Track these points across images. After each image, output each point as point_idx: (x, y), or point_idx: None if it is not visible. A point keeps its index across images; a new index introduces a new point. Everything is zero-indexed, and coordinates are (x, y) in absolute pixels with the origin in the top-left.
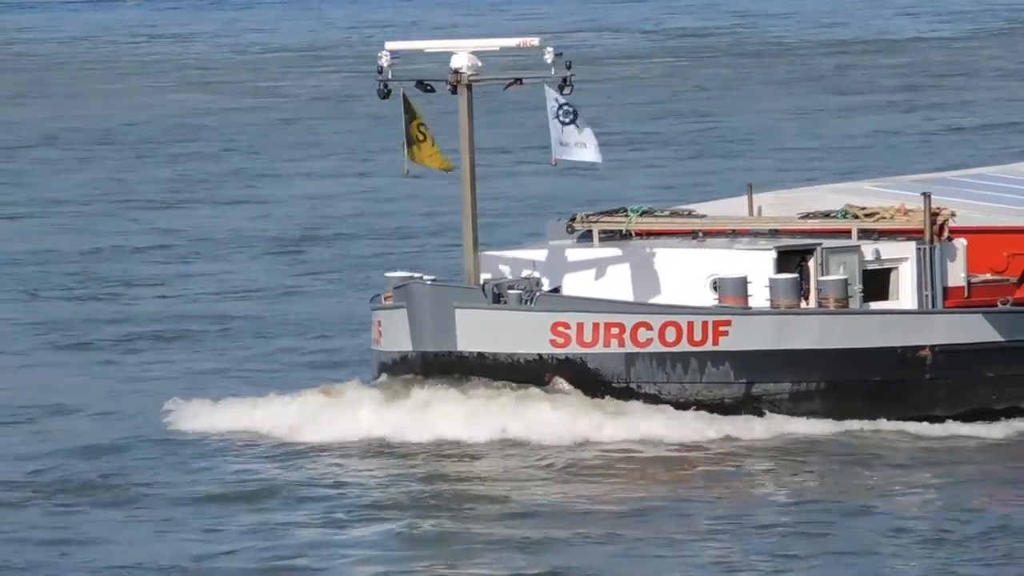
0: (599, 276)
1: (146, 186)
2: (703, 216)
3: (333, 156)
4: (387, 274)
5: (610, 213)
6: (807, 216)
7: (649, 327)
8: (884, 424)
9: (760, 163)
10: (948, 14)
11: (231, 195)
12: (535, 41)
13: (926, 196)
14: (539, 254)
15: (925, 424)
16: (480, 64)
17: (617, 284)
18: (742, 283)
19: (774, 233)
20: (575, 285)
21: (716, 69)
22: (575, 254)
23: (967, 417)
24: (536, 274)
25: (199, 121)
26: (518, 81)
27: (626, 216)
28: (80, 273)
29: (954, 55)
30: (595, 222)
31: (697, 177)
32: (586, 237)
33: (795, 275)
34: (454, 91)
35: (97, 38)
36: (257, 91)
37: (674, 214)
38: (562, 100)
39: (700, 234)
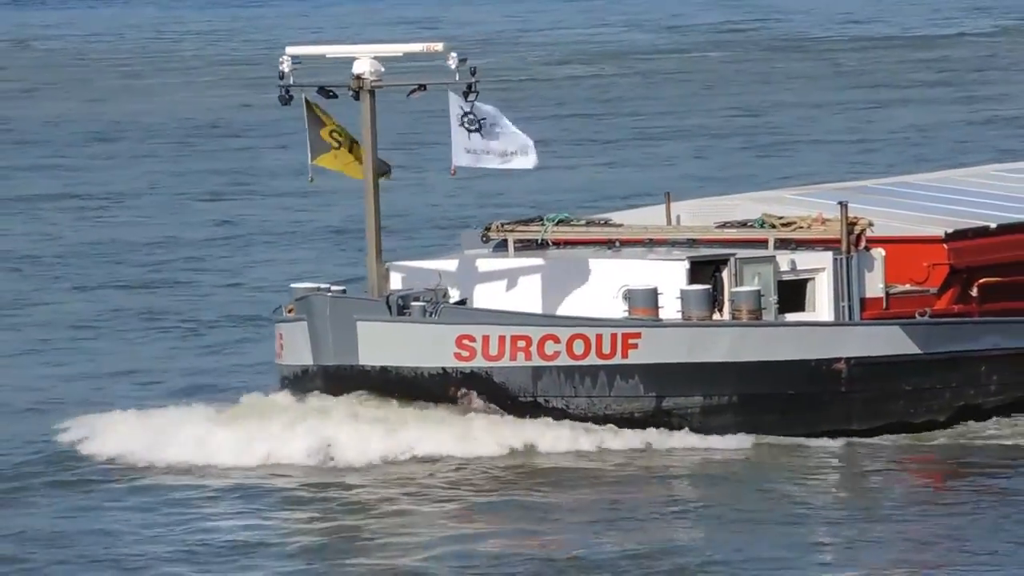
0: (511, 287)
1: (204, 178)
2: (620, 225)
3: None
4: (292, 285)
5: (526, 222)
6: (724, 225)
7: (557, 340)
8: (798, 439)
9: (803, 156)
10: (973, 10)
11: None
12: (439, 46)
13: (842, 205)
14: (449, 264)
15: (841, 438)
16: (383, 69)
17: (529, 295)
18: (652, 294)
19: (692, 242)
20: (486, 296)
21: (744, 64)
22: (486, 264)
23: (884, 431)
24: (445, 285)
25: (243, 117)
26: (422, 87)
27: (542, 225)
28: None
29: (985, 50)
30: (510, 231)
31: (739, 169)
32: (502, 247)
33: (707, 286)
34: (356, 97)
35: (122, 35)
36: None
37: (590, 223)
38: (466, 107)
39: (617, 243)
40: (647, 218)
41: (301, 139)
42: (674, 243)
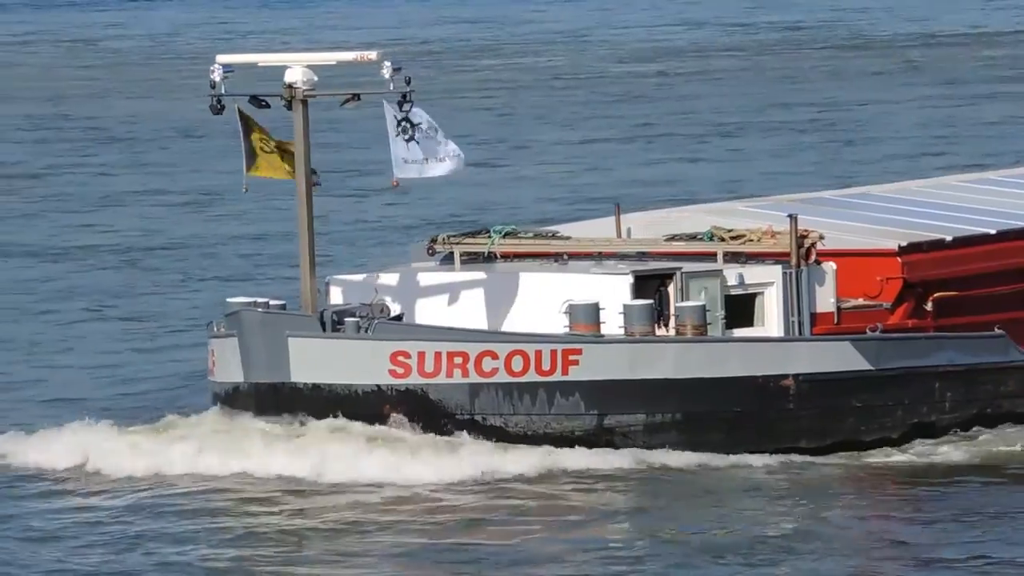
0: (455, 301)
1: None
2: (568, 238)
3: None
4: (228, 299)
5: (473, 234)
6: (673, 238)
7: (495, 356)
8: (745, 457)
9: (885, 150)
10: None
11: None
12: (373, 55)
13: (792, 218)
14: (391, 278)
15: (789, 457)
16: (316, 78)
17: (473, 310)
18: (594, 309)
19: (641, 255)
20: (429, 311)
21: (813, 62)
22: (428, 278)
23: (834, 449)
24: (383, 300)
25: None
26: (356, 97)
27: (488, 238)
28: None
29: None
30: (456, 243)
31: (824, 165)
32: (450, 259)
33: (650, 301)
34: (289, 106)
35: (181, 34)
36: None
37: (537, 236)
38: (400, 116)
39: (565, 256)
40: (597, 231)
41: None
42: (623, 256)
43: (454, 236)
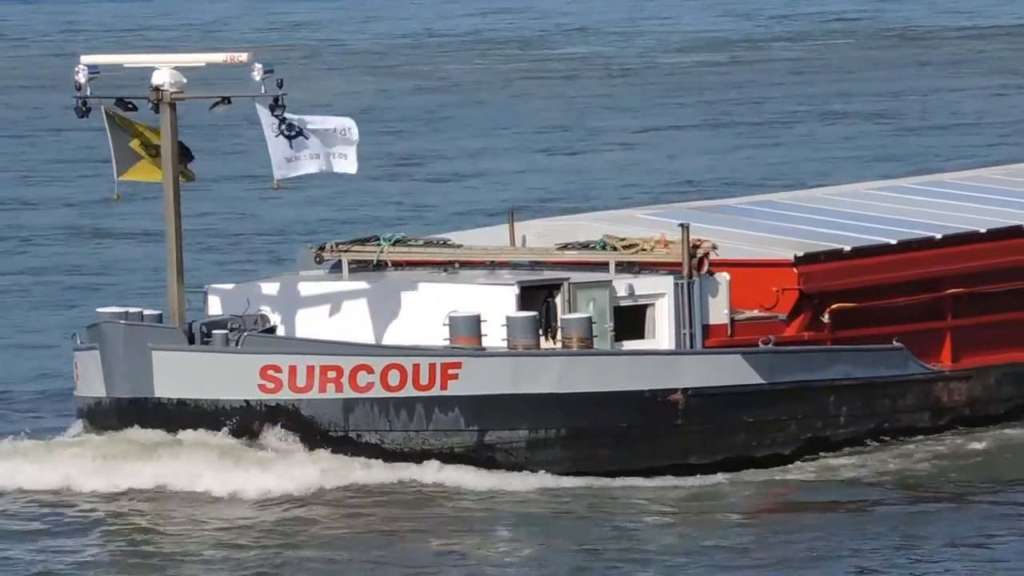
0: (337, 312)
1: None
2: (458, 246)
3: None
4: (99, 309)
5: (362, 241)
6: (565, 247)
7: (370, 370)
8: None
9: (951, 139)
10: None
11: None
12: (243, 57)
13: (684, 227)
14: (271, 287)
15: (676, 473)
16: (184, 80)
17: (357, 321)
18: (475, 321)
19: (534, 265)
20: (312, 322)
21: (864, 52)
22: (310, 287)
23: (725, 465)
24: (257, 310)
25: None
26: (226, 100)
27: (378, 245)
28: None
29: None
30: (345, 251)
31: (886, 152)
32: (339, 268)
33: (533, 313)
34: (156, 109)
35: (229, 24)
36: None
37: (428, 244)
38: (277, 119)
39: (457, 265)
40: (489, 239)
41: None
42: (516, 265)
43: (342, 243)
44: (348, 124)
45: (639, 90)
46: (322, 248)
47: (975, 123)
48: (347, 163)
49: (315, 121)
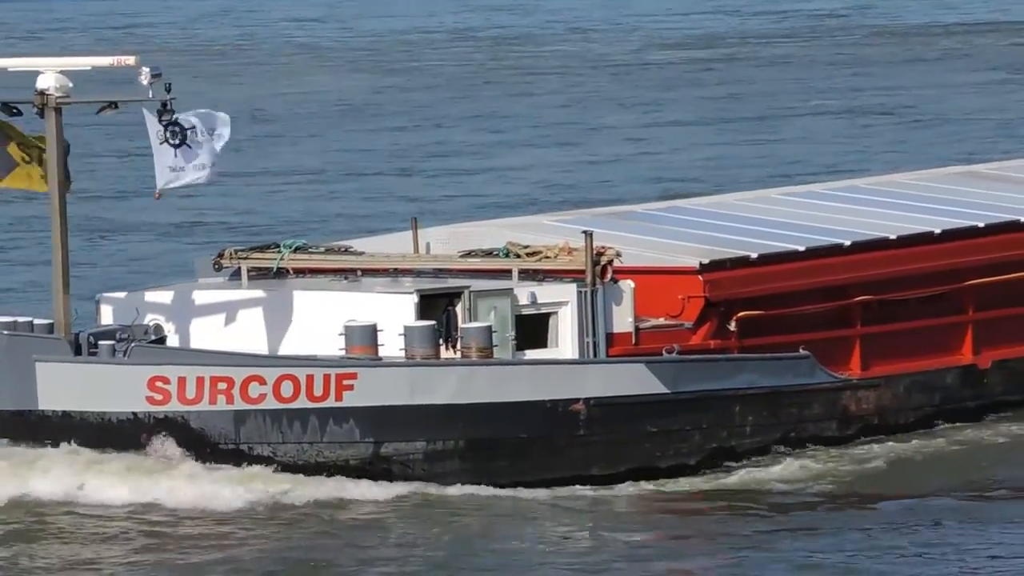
0: (235, 321)
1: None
2: (360, 254)
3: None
4: None
5: (262, 248)
6: (469, 254)
7: (262, 381)
8: (531, 486)
9: (951, 134)
10: None
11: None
12: (131, 60)
13: (587, 234)
14: (164, 296)
15: (578, 485)
16: (71, 84)
17: (254, 330)
18: (371, 331)
19: (438, 272)
20: (208, 332)
21: (855, 49)
22: (204, 296)
23: (628, 476)
24: (147, 319)
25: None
26: (113, 105)
27: (278, 252)
28: None
29: None
30: (244, 258)
31: (887, 146)
32: (239, 275)
33: (432, 322)
34: (41, 114)
35: (222, 21)
36: (411, 71)
37: (329, 251)
38: (163, 124)
39: (359, 273)
40: (392, 246)
41: None
42: (419, 273)
43: (242, 250)
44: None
45: (632, 86)
46: (221, 255)
47: (973, 119)
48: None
49: (200, 135)
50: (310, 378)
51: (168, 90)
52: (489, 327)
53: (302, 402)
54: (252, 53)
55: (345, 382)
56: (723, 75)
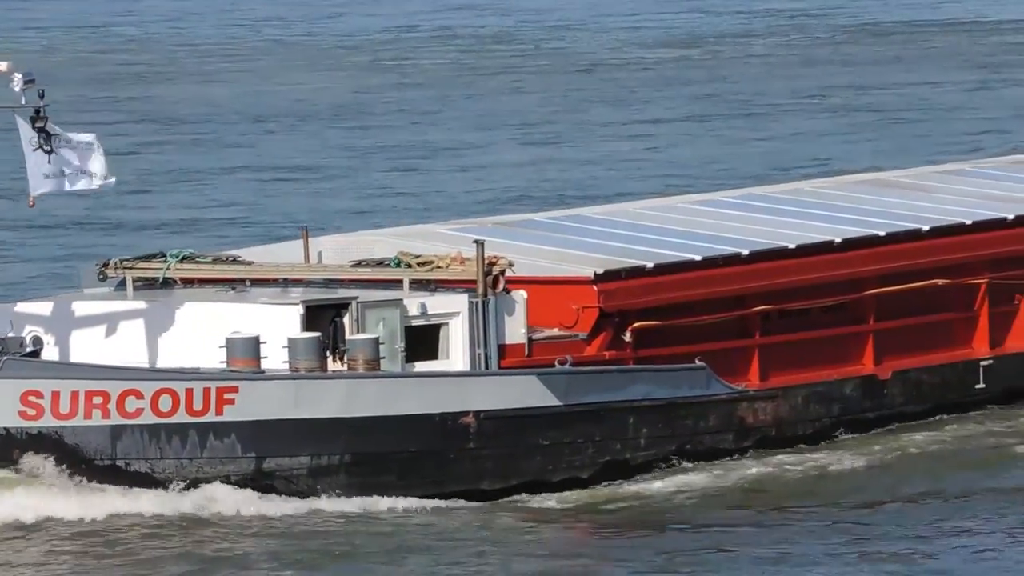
0: (112, 333)
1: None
2: (249, 263)
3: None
4: None
5: (147, 258)
6: (359, 264)
7: (140, 395)
8: (418, 501)
9: (937, 131)
10: None
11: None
12: (3, 66)
13: (479, 244)
14: (45, 307)
15: (468, 499)
16: None
17: (133, 342)
18: (253, 343)
19: (328, 283)
20: (89, 344)
21: (834, 47)
22: (85, 307)
23: (519, 490)
24: (21, 331)
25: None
26: None
27: (164, 262)
28: None
29: None
30: (130, 268)
31: (873, 144)
32: (124, 285)
33: (317, 333)
34: None
35: (196, 21)
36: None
37: (217, 260)
38: (37, 128)
39: (247, 283)
40: (283, 255)
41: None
42: (309, 283)
43: (127, 260)
44: (91, 139)
45: (615, 84)
46: (105, 265)
47: (957, 116)
48: (99, 179)
49: (75, 142)
50: (189, 392)
51: (41, 96)
52: (376, 339)
53: (181, 417)
54: (234, 52)
55: (226, 396)
56: (703, 73)
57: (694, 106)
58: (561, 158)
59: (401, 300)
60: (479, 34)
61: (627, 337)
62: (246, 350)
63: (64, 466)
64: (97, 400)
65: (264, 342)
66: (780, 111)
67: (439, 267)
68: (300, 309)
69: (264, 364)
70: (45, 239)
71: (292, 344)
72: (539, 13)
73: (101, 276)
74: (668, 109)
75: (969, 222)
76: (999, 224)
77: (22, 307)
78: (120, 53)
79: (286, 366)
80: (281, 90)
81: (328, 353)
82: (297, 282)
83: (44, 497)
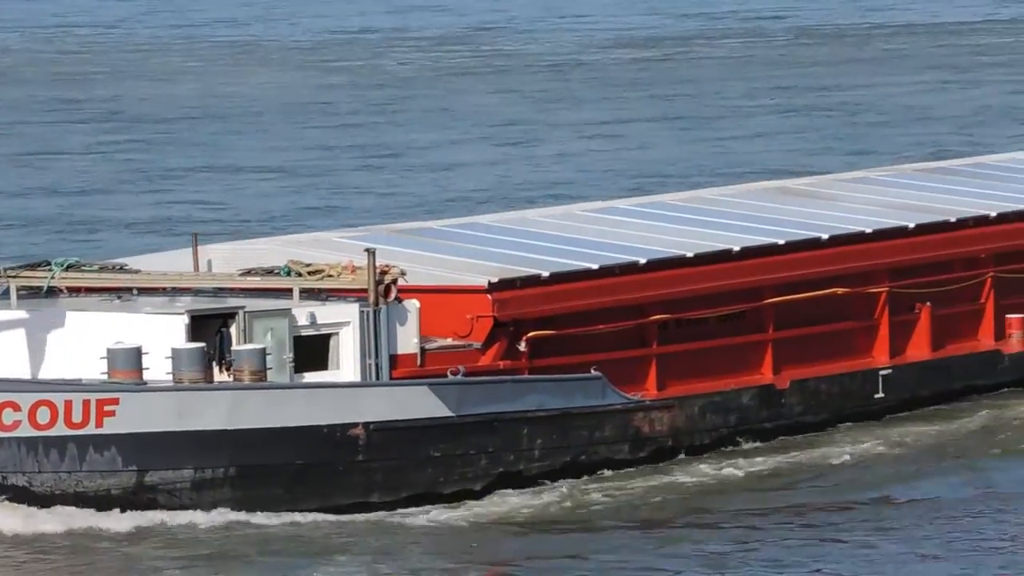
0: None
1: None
2: (136, 272)
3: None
4: None
5: (32, 267)
6: (249, 272)
7: (17, 407)
8: (308, 515)
9: (896, 132)
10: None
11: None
12: None
13: (370, 252)
14: None
15: (358, 513)
16: None
17: (13, 353)
18: (134, 354)
19: (217, 292)
20: None
21: (790, 50)
22: None
23: (410, 502)
24: None
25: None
26: None
27: (49, 270)
28: None
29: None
30: (14, 277)
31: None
32: (7, 295)
33: (201, 344)
34: None
35: (141, 22)
36: (353, 71)
37: (103, 269)
38: None
39: (135, 292)
40: (170, 263)
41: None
42: (198, 292)
43: (11, 268)
44: None
45: (574, 85)
46: None
47: (916, 117)
48: None
49: None
50: (68, 404)
51: None
52: (263, 349)
53: (60, 429)
54: (190, 53)
55: (106, 408)
56: (662, 75)
57: (654, 107)
58: (524, 156)
59: (289, 310)
60: (435, 35)
61: (522, 347)
62: (127, 361)
63: None
64: None
65: (147, 353)
66: (739, 113)
67: (330, 276)
68: (185, 319)
69: (148, 375)
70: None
71: (176, 355)
72: (493, 14)
73: None
74: (624, 110)
75: (869, 230)
76: (900, 232)
77: None
78: (76, 53)
79: (170, 377)
80: (241, 90)
81: (214, 364)
82: (185, 291)
83: None
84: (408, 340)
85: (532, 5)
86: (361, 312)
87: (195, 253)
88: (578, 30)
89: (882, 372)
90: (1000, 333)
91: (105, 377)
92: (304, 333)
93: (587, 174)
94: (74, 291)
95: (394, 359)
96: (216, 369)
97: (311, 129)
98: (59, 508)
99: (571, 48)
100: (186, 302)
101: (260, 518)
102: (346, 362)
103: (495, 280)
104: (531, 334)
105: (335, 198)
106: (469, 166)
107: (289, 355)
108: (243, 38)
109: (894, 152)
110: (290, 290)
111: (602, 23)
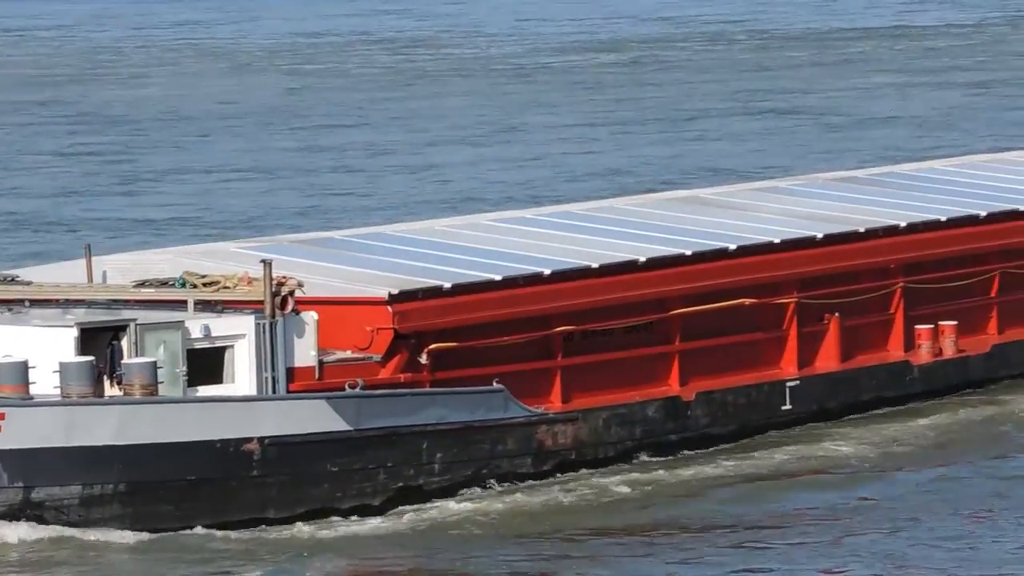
0: None
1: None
2: (28, 283)
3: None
4: None
5: None
6: (143, 284)
7: None
8: (200, 531)
9: (863, 135)
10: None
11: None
12: None
13: (266, 263)
14: None
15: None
16: None
17: None
18: (20, 368)
19: (111, 304)
20: None
21: (753, 54)
22: None
23: (306, 518)
24: None
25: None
26: None
27: None
28: None
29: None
30: None
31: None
32: None
33: (90, 357)
34: None
35: (103, 27)
36: (317, 73)
37: None
38: None
39: (26, 304)
40: (65, 275)
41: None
42: (91, 304)
43: None
44: None
45: (539, 88)
46: None
47: (879, 120)
48: None
49: None
50: None
51: None
52: (154, 362)
53: None
54: (156, 55)
55: None
56: (626, 78)
57: (620, 110)
58: (494, 158)
59: (183, 322)
60: (399, 38)
61: (424, 359)
62: (14, 375)
63: None
64: None
65: (35, 367)
66: (704, 115)
67: (226, 287)
68: (74, 331)
69: (36, 389)
70: None
71: (64, 368)
72: (455, 17)
73: None
74: (591, 113)
75: (777, 241)
76: (808, 243)
77: None
78: (41, 56)
79: (59, 392)
80: (210, 92)
81: (105, 378)
82: (78, 303)
83: None
84: (305, 353)
85: (494, 8)
86: (257, 324)
87: (89, 264)
88: (541, 33)
89: (789, 383)
90: (910, 344)
91: None
92: (198, 346)
93: (558, 175)
94: None
95: (291, 372)
96: (107, 383)
97: (281, 132)
98: None
99: (535, 51)
100: (78, 314)
101: (151, 535)
102: (241, 375)
103: (395, 291)
104: (432, 346)
105: (309, 199)
106: (440, 167)
107: (182, 368)
108: (207, 41)
109: (856, 151)
110: (184, 302)
111: (565, 27)
